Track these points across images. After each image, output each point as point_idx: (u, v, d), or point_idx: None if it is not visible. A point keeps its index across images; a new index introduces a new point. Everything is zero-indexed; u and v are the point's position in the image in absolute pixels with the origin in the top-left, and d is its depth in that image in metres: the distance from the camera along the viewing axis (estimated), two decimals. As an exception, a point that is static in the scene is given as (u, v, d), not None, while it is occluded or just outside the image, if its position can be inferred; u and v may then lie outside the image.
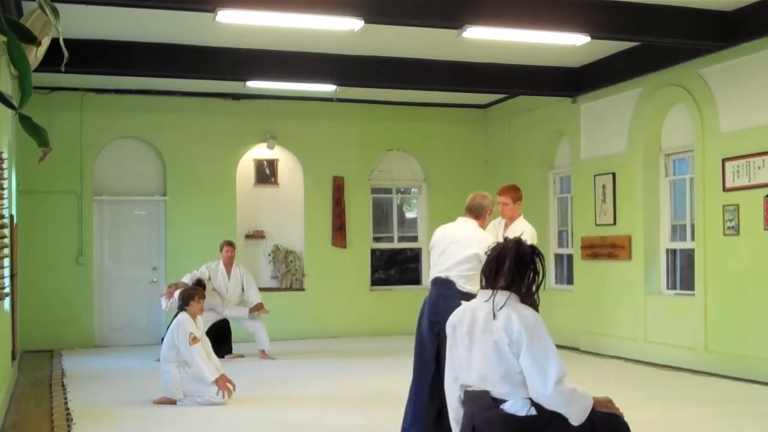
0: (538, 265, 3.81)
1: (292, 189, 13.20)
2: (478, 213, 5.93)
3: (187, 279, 10.41)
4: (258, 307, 10.74)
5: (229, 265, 10.88)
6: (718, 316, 9.20)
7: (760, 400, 7.70)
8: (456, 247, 5.78)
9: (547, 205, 12.50)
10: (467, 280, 5.63)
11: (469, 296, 4.92)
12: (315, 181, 13.13)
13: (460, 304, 4.12)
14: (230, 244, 10.91)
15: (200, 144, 12.53)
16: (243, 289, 10.90)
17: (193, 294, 7.85)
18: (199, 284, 10.09)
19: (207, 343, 7.83)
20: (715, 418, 6.85)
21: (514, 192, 6.81)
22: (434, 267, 5.90)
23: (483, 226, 5.98)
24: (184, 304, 7.77)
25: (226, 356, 10.38)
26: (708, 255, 9.32)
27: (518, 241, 3.87)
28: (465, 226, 5.88)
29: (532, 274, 3.80)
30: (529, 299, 3.82)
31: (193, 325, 7.64)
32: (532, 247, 3.84)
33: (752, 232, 8.76)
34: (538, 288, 3.83)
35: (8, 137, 8.11)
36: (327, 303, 12.96)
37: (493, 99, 13.27)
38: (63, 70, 4.25)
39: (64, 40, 3.27)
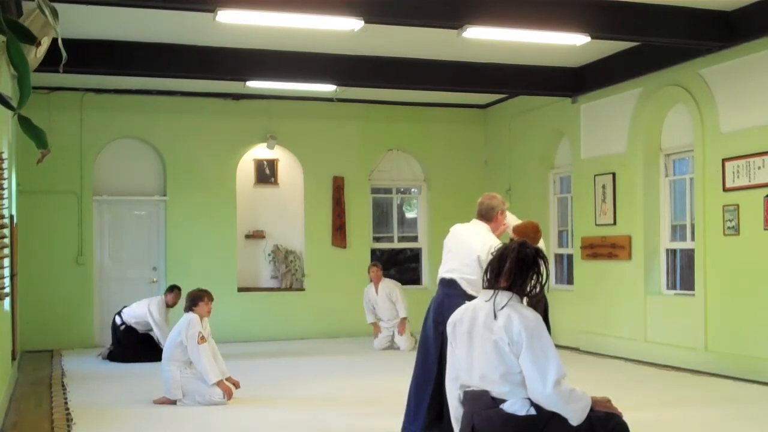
0: (541, 267, 3.82)
1: (292, 189, 13.20)
2: (488, 216, 5.85)
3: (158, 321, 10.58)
4: (402, 323, 11.62)
5: (377, 282, 11.67)
6: (718, 316, 9.20)
7: (760, 400, 7.70)
8: (460, 248, 5.77)
9: (547, 205, 12.50)
10: (469, 283, 5.62)
11: (473, 299, 4.92)
12: (315, 181, 13.13)
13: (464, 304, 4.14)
14: (376, 265, 11.85)
15: (200, 144, 12.53)
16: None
17: (201, 295, 7.79)
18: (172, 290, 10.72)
19: (213, 345, 7.81)
20: (715, 418, 6.85)
21: (531, 232, 6.30)
22: (441, 266, 5.90)
23: (498, 226, 5.90)
24: (192, 305, 7.73)
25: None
26: (708, 255, 9.32)
27: (521, 243, 3.88)
28: (473, 228, 5.85)
29: (534, 276, 3.81)
30: (535, 302, 3.83)
31: (200, 326, 7.64)
32: (536, 250, 3.84)
33: (752, 232, 8.75)
34: (541, 289, 3.84)
35: (8, 137, 8.11)
36: (327, 303, 12.95)
37: (493, 99, 13.27)
38: (61, 71, 4.24)
39: (64, 40, 3.27)
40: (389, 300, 11.59)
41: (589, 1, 8.25)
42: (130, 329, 10.57)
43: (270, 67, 10.07)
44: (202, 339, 7.53)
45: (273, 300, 12.86)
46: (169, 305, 10.71)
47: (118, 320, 10.69)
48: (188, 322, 7.62)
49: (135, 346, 10.47)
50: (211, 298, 7.86)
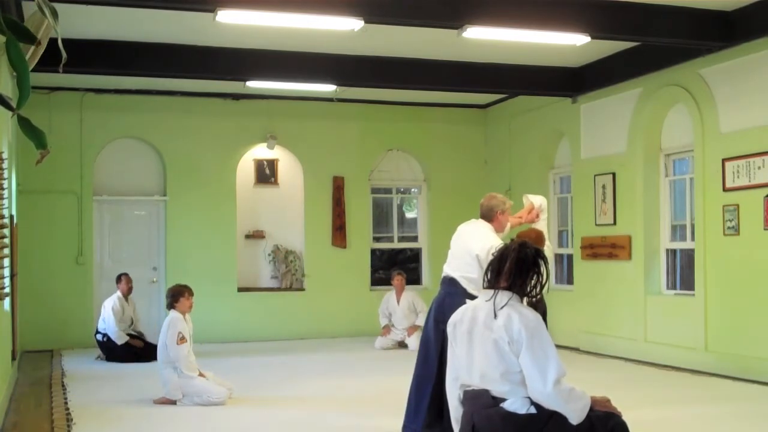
0: (541, 267, 3.83)
1: (292, 189, 13.20)
2: (488, 216, 5.88)
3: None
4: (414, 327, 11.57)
5: (399, 291, 11.78)
6: (718, 316, 9.20)
7: (760, 400, 7.70)
8: (461, 247, 5.80)
9: (547, 205, 12.45)
10: (469, 281, 5.64)
11: (474, 298, 4.93)
12: (315, 181, 13.13)
13: (465, 303, 4.14)
14: (401, 274, 11.88)
15: (200, 144, 12.53)
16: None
17: (182, 291, 7.71)
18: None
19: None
20: (715, 418, 6.85)
21: (533, 236, 6.44)
22: (445, 265, 5.93)
23: (501, 225, 5.91)
24: (173, 302, 7.67)
25: None
26: (708, 255, 9.32)
27: (522, 244, 3.89)
28: (475, 227, 5.88)
29: (535, 277, 3.82)
30: (535, 303, 3.84)
31: (183, 324, 7.60)
32: (536, 250, 3.85)
33: (752, 232, 8.75)
34: (541, 290, 3.85)
35: (8, 137, 8.11)
36: (327, 303, 12.96)
37: (493, 99, 13.27)
38: (61, 71, 4.25)
39: (64, 40, 3.27)
40: (410, 310, 11.66)
41: (589, 1, 8.25)
42: (110, 337, 10.59)
43: (270, 67, 10.07)
44: (182, 339, 7.50)
45: (273, 300, 12.86)
46: (124, 294, 10.85)
47: (99, 337, 10.71)
48: (169, 322, 7.60)
49: (126, 348, 10.50)
50: (191, 293, 7.76)
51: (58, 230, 11.86)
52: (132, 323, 10.90)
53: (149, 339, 10.79)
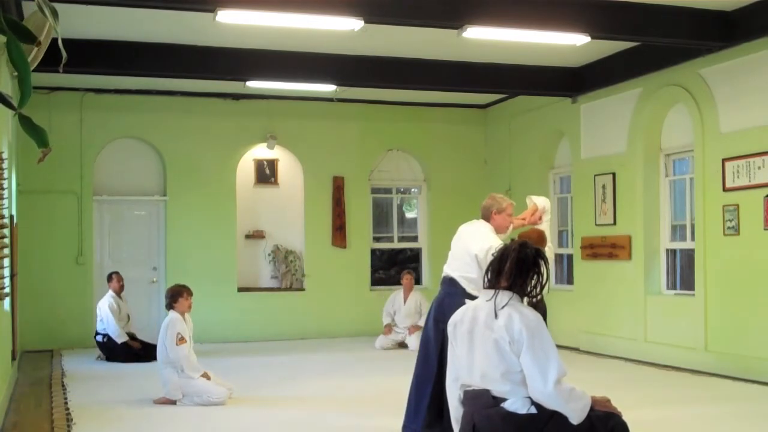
0: (541, 267, 3.83)
1: (292, 189, 13.20)
2: (485, 216, 5.94)
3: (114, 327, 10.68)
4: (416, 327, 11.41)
5: (408, 291, 11.82)
6: (718, 316, 9.20)
7: (760, 400, 7.70)
8: (460, 247, 5.82)
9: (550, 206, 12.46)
10: (468, 281, 5.65)
11: (473, 298, 4.94)
12: (315, 181, 13.13)
13: (464, 304, 4.14)
14: (411, 274, 11.95)
15: (200, 144, 12.53)
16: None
17: (180, 291, 7.71)
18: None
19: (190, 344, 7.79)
20: (715, 418, 6.85)
21: (535, 237, 6.60)
22: (445, 266, 5.95)
23: (498, 225, 5.93)
24: (172, 302, 7.66)
25: None
26: (708, 255, 9.32)
27: (522, 244, 3.89)
28: (475, 227, 5.90)
29: (535, 277, 3.82)
30: (535, 303, 3.85)
31: (182, 324, 7.59)
32: (536, 250, 3.86)
33: (752, 232, 8.76)
34: (541, 290, 3.85)
35: (8, 137, 8.11)
36: (327, 303, 12.96)
37: (493, 99, 13.27)
38: (61, 71, 4.25)
39: (64, 40, 3.27)
40: (415, 310, 11.67)
41: (589, 1, 8.26)
42: (110, 337, 10.61)
43: (270, 67, 10.07)
44: (181, 340, 7.50)
45: (273, 300, 12.87)
46: (117, 292, 10.86)
47: (99, 338, 10.70)
48: (168, 322, 7.60)
49: (126, 348, 10.50)
50: (190, 293, 7.76)
51: (58, 230, 11.86)
52: (129, 320, 10.89)
53: (143, 338, 10.81)
